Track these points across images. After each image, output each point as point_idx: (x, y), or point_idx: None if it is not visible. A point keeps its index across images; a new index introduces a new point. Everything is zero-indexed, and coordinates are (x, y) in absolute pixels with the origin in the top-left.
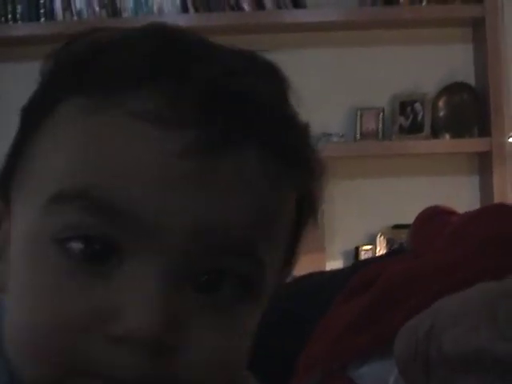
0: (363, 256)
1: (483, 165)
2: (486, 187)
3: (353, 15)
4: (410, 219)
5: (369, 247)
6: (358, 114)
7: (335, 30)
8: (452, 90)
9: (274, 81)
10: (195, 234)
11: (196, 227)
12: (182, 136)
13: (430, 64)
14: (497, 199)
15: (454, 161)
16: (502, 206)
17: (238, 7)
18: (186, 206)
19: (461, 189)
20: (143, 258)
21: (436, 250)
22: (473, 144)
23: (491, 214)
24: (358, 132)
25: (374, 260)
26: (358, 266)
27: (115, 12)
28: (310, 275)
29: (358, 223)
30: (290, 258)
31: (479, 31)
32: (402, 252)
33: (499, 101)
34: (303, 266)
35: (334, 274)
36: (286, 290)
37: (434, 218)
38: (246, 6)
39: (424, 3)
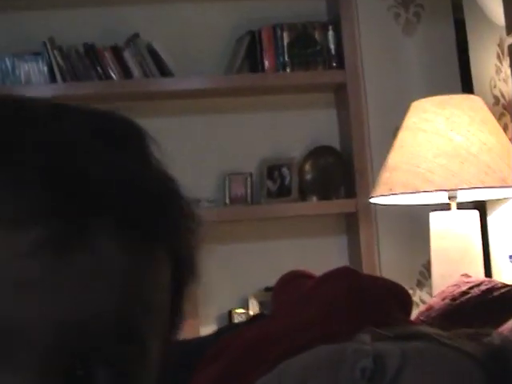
0: (236, 319)
1: (350, 225)
2: (353, 246)
3: (219, 83)
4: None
5: (242, 310)
6: (227, 179)
7: (203, 97)
8: (317, 153)
9: (129, 148)
10: (59, 336)
11: (58, 330)
12: (28, 234)
13: (295, 129)
14: (364, 257)
15: (322, 222)
16: (346, 270)
17: (105, 76)
18: (44, 309)
19: (330, 249)
20: (9, 369)
21: (287, 313)
22: (339, 205)
23: (336, 278)
24: (228, 197)
25: (236, 326)
26: (220, 333)
27: None
28: (179, 343)
29: (230, 287)
30: (175, 322)
31: (342, 96)
32: (262, 317)
33: (363, 163)
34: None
35: (199, 341)
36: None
37: (292, 282)
38: (113, 75)
39: (288, 70)
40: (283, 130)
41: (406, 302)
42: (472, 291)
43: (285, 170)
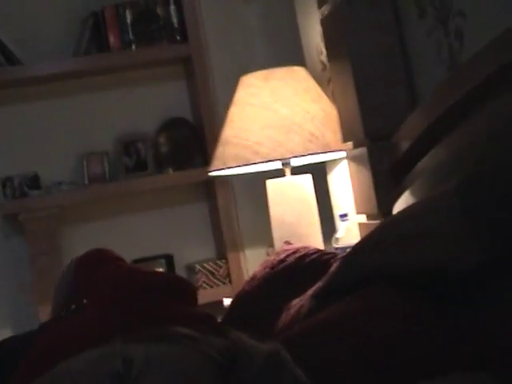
0: None
1: (209, 192)
2: (214, 212)
3: (68, 66)
4: (149, 252)
5: None
6: (84, 159)
7: (53, 81)
8: (170, 126)
9: None
10: None
11: None
12: None
13: (147, 103)
14: (223, 221)
15: (182, 192)
16: (126, 271)
17: None
18: None
19: (193, 216)
20: None
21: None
22: (195, 174)
23: (117, 278)
24: (86, 177)
25: (58, 319)
26: (44, 327)
27: None
28: (4, 341)
29: None
30: None
31: (189, 68)
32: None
33: (214, 132)
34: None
35: (25, 335)
36: None
37: (97, 266)
38: None
39: (134, 47)
40: (135, 105)
41: (186, 292)
42: (288, 259)
43: (140, 145)
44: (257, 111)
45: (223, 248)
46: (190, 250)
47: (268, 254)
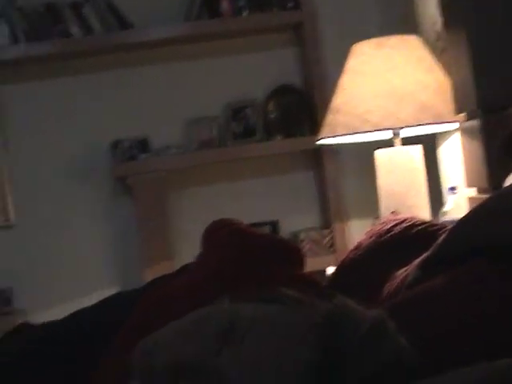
0: None
1: (316, 160)
2: (320, 180)
3: (179, 31)
4: (255, 218)
5: None
6: (194, 124)
7: (164, 46)
8: (280, 92)
9: None
10: None
11: None
12: None
13: (257, 70)
14: (330, 191)
15: (289, 159)
16: (238, 232)
17: (67, 34)
18: None
19: (298, 185)
20: None
21: (194, 270)
22: (303, 142)
23: (231, 238)
24: (195, 142)
25: (166, 277)
26: (152, 284)
27: None
28: (113, 296)
29: (204, 228)
30: None
31: (300, 35)
32: (187, 268)
33: (324, 100)
34: (156, 274)
35: (133, 292)
36: (100, 304)
37: (216, 231)
38: (75, 32)
39: (245, 13)
40: (245, 72)
41: (295, 256)
42: (395, 228)
43: (249, 111)
44: (368, 80)
45: (328, 217)
46: (296, 218)
47: (374, 225)
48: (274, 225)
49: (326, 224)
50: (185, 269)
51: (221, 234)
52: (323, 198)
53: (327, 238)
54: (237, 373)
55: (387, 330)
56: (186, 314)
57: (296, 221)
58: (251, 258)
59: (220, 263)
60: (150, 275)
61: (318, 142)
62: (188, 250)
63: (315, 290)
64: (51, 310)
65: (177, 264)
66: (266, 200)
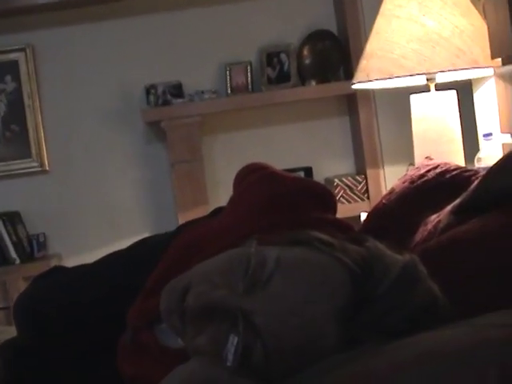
0: None
1: (351, 105)
2: (355, 126)
3: None
4: (289, 164)
5: None
6: (227, 69)
7: None
8: (314, 38)
9: None
10: None
11: None
12: None
13: (291, 15)
14: (364, 136)
15: (324, 105)
16: (269, 176)
17: None
18: None
19: (333, 130)
20: None
21: (226, 213)
22: (338, 87)
23: (262, 182)
24: (229, 87)
25: (196, 221)
26: (181, 228)
27: None
28: (145, 239)
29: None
30: None
31: None
32: (220, 211)
33: (359, 45)
34: (190, 218)
35: (163, 236)
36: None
37: (249, 174)
38: None
39: None
40: (279, 16)
41: (327, 200)
42: (428, 174)
43: (283, 56)
44: (403, 24)
45: (363, 163)
46: (330, 164)
47: (408, 171)
48: (308, 170)
49: (361, 170)
50: (217, 212)
51: (253, 178)
52: (357, 143)
53: (361, 184)
54: (263, 316)
55: (419, 274)
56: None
57: (330, 167)
58: (284, 202)
59: (251, 207)
60: (184, 220)
61: (353, 87)
62: (222, 194)
63: (348, 234)
64: (86, 254)
65: (211, 209)
66: (300, 146)
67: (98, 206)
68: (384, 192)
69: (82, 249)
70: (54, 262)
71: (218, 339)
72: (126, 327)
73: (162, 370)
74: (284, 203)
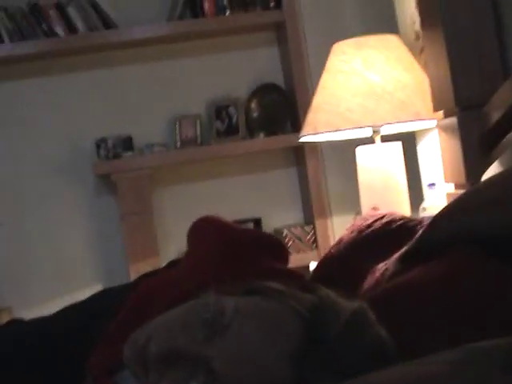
0: None
1: (299, 157)
2: (303, 177)
3: (162, 30)
4: (239, 215)
5: None
6: (177, 122)
7: (147, 45)
8: (262, 91)
9: None
10: None
11: None
12: None
13: (239, 69)
14: (312, 187)
15: (272, 157)
16: (221, 227)
17: (52, 33)
18: None
19: (282, 181)
20: None
21: (182, 263)
22: (286, 140)
23: (215, 234)
24: (179, 140)
25: (155, 272)
26: (139, 279)
27: None
28: (103, 291)
29: (187, 226)
30: None
31: (282, 34)
32: (176, 262)
33: (306, 98)
34: (141, 270)
35: (121, 287)
36: (86, 303)
37: (201, 228)
38: (59, 32)
39: (227, 13)
40: (228, 70)
41: (278, 250)
42: (375, 224)
43: (232, 110)
44: (348, 78)
45: (311, 213)
46: (279, 215)
47: (355, 220)
48: (258, 221)
49: (309, 220)
50: (172, 264)
51: (207, 231)
52: (305, 194)
53: (310, 234)
54: (222, 362)
55: (368, 319)
56: (172, 307)
57: (279, 217)
58: (237, 253)
59: (206, 258)
60: (135, 272)
61: (300, 140)
62: (172, 246)
63: (299, 283)
64: (37, 307)
65: (162, 260)
66: (250, 197)
67: (49, 258)
68: (332, 241)
69: (33, 301)
70: (4, 315)
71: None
72: (86, 376)
73: None
74: (237, 254)
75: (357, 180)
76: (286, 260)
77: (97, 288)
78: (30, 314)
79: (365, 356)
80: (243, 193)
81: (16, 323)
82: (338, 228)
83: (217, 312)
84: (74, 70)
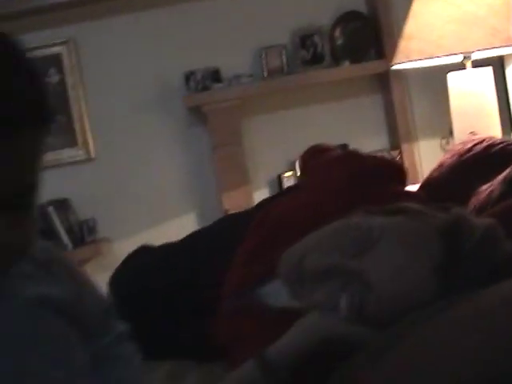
0: (286, 182)
1: (383, 84)
2: (387, 104)
3: None
4: (327, 142)
5: (290, 173)
6: (263, 53)
7: None
8: (345, 19)
9: None
10: None
11: None
12: None
13: None
14: (398, 112)
15: (357, 84)
16: (349, 156)
17: None
18: None
19: (367, 108)
20: None
21: (309, 191)
22: (371, 67)
23: (341, 162)
24: (265, 70)
25: (272, 199)
26: (260, 206)
27: None
28: (224, 218)
29: (277, 152)
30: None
31: None
32: (295, 188)
33: (389, 24)
34: (233, 200)
35: (243, 213)
36: (209, 230)
37: (314, 155)
38: None
39: None
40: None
41: (401, 176)
42: (475, 148)
43: (316, 38)
44: (440, 6)
45: (397, 139)
46: (364, 141)
47: (442, 145)
48: (344, 148)
49: (395, 146)
50: (290, 190)
51: (328, 158)
52: (391, 120)
53: (396, 159)
54: (376, 275)
55: (499, 235)
56: (312, 230)
57: (365, 143)
58: (365, 178)
59: (332, 186)
60: (227, 201)
61: (393, 68)
62: (262, 174)
63: (433, 203)
64: (134, 237)
65: (253, 189)
66: (336, 124)
67: (143, 190)
68: (418, 166)
69: (131, 232)
70: (103, 246)
71: (334, 294)
72: (223, 294)
73: (265, 329)
74: (365, 180)
75: (443, 105)
76: (405, 182)
77: (190, 217)
78: (128, 244)
79: (496, 268)
80: (329, 120)
81: (145, 250)
82: (425, 153)
83: (365, 230)
84: (159, 6)
